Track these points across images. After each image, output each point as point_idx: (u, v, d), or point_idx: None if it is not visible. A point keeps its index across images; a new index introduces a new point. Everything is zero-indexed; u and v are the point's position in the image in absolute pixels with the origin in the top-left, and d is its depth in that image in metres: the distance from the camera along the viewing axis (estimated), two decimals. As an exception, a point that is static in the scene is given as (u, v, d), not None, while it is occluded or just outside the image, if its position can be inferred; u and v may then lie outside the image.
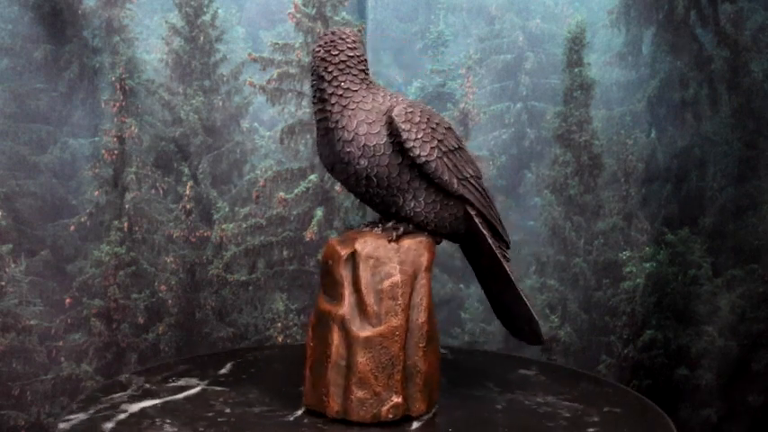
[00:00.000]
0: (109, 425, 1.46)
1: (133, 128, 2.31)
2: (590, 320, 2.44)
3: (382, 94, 1.52)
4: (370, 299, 1.47)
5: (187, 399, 1.61)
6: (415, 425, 1.50)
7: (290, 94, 2.40)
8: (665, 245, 2.39)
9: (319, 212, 2.41)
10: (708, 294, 2.38)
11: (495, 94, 2.45)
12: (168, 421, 1.48)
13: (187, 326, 2.38)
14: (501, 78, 2.45)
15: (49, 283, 2.27)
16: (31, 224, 2.26)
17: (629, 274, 2.41)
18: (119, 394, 1.62)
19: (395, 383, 1.47)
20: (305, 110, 2.39)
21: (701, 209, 2.39)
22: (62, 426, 1.46)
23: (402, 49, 2.44)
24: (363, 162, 1.48)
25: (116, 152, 2.31)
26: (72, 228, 2.29)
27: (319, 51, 1.52)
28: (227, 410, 1.54)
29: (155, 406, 1.56)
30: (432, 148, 1.50)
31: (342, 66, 1.50)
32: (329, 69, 1.50)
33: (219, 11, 2.37)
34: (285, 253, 2.42)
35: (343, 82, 1.50)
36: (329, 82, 1.50)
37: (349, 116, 1.49)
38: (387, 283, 1.48)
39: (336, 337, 1.48)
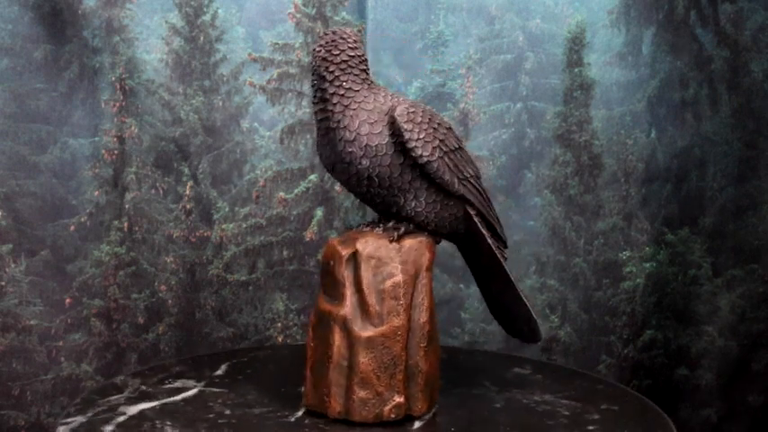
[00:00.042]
0: (108, 427, 1.46)
1: (133, 128, 2.31)
2: (590, 320, 2.44)
3: (383, 95, 1.52)
4: (371, 299, 1.47)
5: (185, 400, 1.60)
6: (417, 424, 1.50)
7: (290, 94, 2.40)
8: (665, 245, 2.40)
9: (319, 212, 2.41)
10: (708, 294, 2.38)
11: (495, 94, 2.45)
12: (169, 423, 1.47)
13: (187, 326, 2.38)
14: (501, 78, 2.45)
15: (49, 283, 2.27)
16: (31, 224, 2.26)
17: (629, 274, 2.41)
18: (115, 396, 1.61)
19: (397, 383, 1.47)
20: (305, 110, 2.39)
21: (701, 209, 2.39)
22: (61, 429, 1.45)
23: (402, 49, 2.44)
24: (365, 162, 1.48)
25: (116, 152, 2.31)
26: (72, 228, 2.29)
27: (320, 51, 1.52)
28: (227, 412, 1.54)
29: (153, 408, 1.55)
30: (433, 148, 1.50)
31: (343, 66, 1.50)
32: (330, 69, 1.50)
33: (219, 11, 2.37)
34: (285, 253, 2.42)
35: (345, 82, 1.50)
36: (330, 82, 1.50)
37: (351, 116, 1.48)
38: (389, 283, 1.47)
39: (338, 338, 1.48)
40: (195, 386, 1.69)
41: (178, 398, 1.61)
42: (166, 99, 2.35)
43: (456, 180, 1.55)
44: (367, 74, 1.53)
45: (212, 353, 2.18)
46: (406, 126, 1.47)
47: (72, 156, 2.29)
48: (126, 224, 2.32)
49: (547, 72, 2.43)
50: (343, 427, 1.47)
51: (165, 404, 1.58)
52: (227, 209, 2.39)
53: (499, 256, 1.64)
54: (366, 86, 1.51)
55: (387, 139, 1.48)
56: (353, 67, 1.51)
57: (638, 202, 2.41)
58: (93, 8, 2.27)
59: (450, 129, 1.58)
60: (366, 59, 1.54)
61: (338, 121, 1.48)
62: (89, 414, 1.51)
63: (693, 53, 2.37)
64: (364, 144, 1.48)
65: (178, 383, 1.70)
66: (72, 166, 2.30)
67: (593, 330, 2.44)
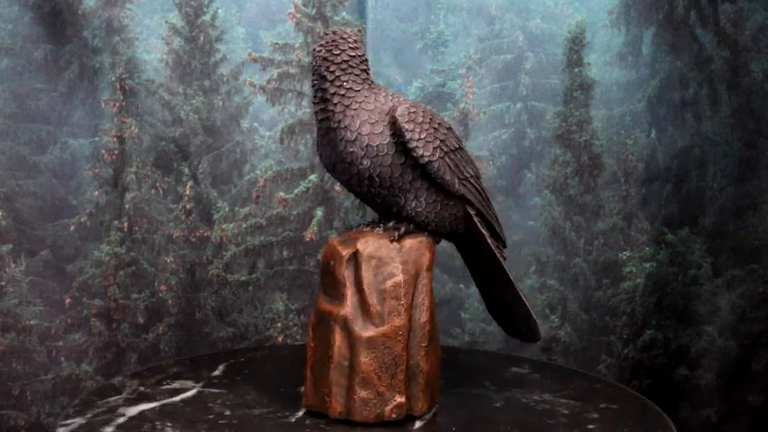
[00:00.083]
0: (109, 429, 1.45)
1: (133, 128, 2.31)
2: (590, 320, 2.44)
3: (384, 94, 1.52)
4: (372, 299, 1.47)
5: (184, 401, 1.60)
6: (418, 424, 1.50)
7: (290, 94, 2.40)
8: (665, 245, 2.40)
9: (319, 212, 2.41)
10: (708, 294, 2.38)
11: (495, 94, 2.45)
12: (169, 424, 1.47)
13: (187, 326, 2.38)
14: (501, 78, 2.45)
15: (49, 283, 2.27)
16: (31, 224, 2.26)
17: (629, 274, 2.41)
18: (114, 398, 1.61)
19: (398, 383, 1.47)
20: (305, 110, 2.39)
21: (701, 209, 2.39)
22: (61, 431, 1.45)
23: (402, 49, 2.44)
24: (366, 162, 1.48)
25: (116, 152, 2.31)
26: (72, 228, 2.29)
27: (321, 51, 1.52)
28: (227, 413, 1.54)
29: (153, 409, 1.55)
30: (434, 148, 1.50)
31: (344, 66, 1.50)
32: (331, 69, 1.50)
33: (219, 11, 2.37)
34: (285, 253, 2.42)
35: (346, 82, 1.50)
36: (331, 82, 1.49)
37: (352, 116, 1.48)
38: (389, 283, 1.47)
39: (339, 338, 1.47)
40: (194, 387, 1.68)
41: (177, 399, 1.61)
42: (166, 99, 2.35)
43: (456, 180, 1.55)
44: (367, 74, 1.53)
45: (209, 353, 2.17)
46: (407, 126, 1.47)
47: (72, 156, 2.29)
48: (126, 224, 2.32)
49: (547, 72, 2.44)
50: (344, 428, 1.47)
51: (165, 405, 1.57)
52: (227, 209, 2.39)
53: (498, 255, 1.64)
54: (367, 86, 1.51)
55: (388, 139, 1.48)
56: (354, 67, 1.51)
57: (638, 202, 2.41)
58: (93, 8, 2.27)
59: (450, 129, 1.58)
60: (366, 59, 1.54)
61: (339, 121, 1.48)
62: (88, 415, 1.51)
63: (693, 53, 2.37)
64: (365, 144, 1.48)
65: (176, 384, 1.70)
66: (72, 166, 2.30)
67: (593, 330, 2.44)
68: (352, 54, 1.51)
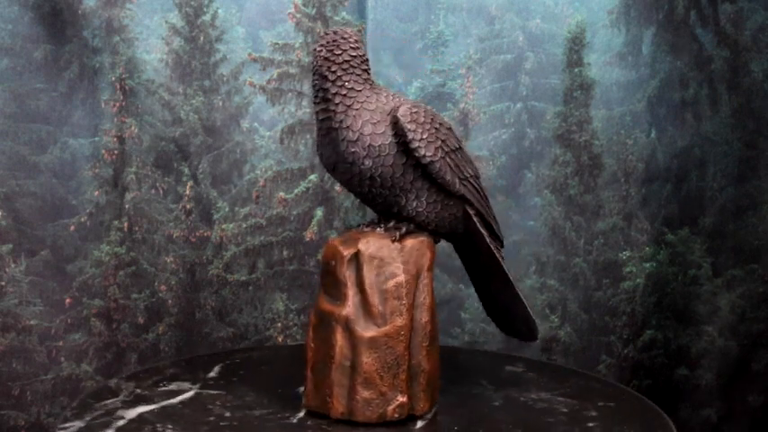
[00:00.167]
0: (109, 432, 1.46)
1: (133, 128, 2.31)
2: (590, 320, 2.44)
3: (385, 95, 1.52)
4: (374, 299, 1.47)
5: (183, 403, 1.59)
6: (420, 424, 1.50)
7: (290, 94, 2.40)
8: (665, 245, 2.40)
9: (319, 212, 2.41)
10: (708, 294, 2.38)
11: (495, 94, 2.45)
12: (170, 427, 1.46)
13: (187, 326, 2.38)
14: (501, 78, 2.45)
15: (49, 283, 2.27)
16: (31, 224, 2.26)
17: (629, 274, 2.41)
18: (111, 400, 1.60)
19: (400, 383, 1.47)
20: (305, 110, 2.39)
21: (701, 209, 2.39)
22: None
23: (402, 49, 2.44)
24: (368, 162, 1.48)
25: (116, 152, 2.31)
26: (72, 228, 2.29)
27: (321, 51, 1.51)
28: (228, 414, 1.53)
29: (152, 411, 1.54)
30: (436, 148, 1.50)
31: (345, 65, 1.50)
32: (332, 69, 1.49)
33: (219, 11, 2.37)
34: (285, 253, 2.42)
35: (347, 82, 1.49)
36: (333, 82, 1.49)
37: (354, 116, 1.48)
38: (391, 283, 1.47)
39: (340, 338, 1.47)
40: (191, 388, 1.68)
41: (175, 400, 1.60)
42: (166, 99, 2.35)
43: (457, 180, 1.55)
44: (368, 74, 1.53)
45: (203, 354, 2.16)
46: (409, 126, 1.47)
47: (72, 156, 2.29)
48: (126, 224, 2.32)
49: (547, 72, 2.44)
50: (346, 428, 1.47)
51: (164, 407, 1.57)
52: (227, 209, 2.39)
53: (497, 255, 1.64)
54: (368, 86, 1.51)
55: (390, 140, 1.48)
56: (356, 68, 1.51)
57: (638, 202, 2.41)
58: (93, 8, 2.27)
59: (450, 129, 1.58)
60: (367, 59, 1.54)
61: (341, 121, 1.48)
62: (87, 419, 1.50)
63: (693, 53, 2.37)
64: (367, 144, 1.47)
65: (173, 386, 1.69)
66: (72, 166, 2.29)
67: (593, 330, 2.44)
68: (354, 54, 1.51)
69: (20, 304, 2.24)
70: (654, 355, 2.41)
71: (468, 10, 2.43)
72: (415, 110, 1.49)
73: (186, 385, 1.69)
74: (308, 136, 2.39)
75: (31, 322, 2.24)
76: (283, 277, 2.42)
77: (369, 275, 1.47)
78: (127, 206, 2.32)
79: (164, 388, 1.67)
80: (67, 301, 2.28)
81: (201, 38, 2.36)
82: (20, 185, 2.24)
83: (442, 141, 1.52)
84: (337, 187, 2.39)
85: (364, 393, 1.46)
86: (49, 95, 2.27)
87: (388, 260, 1.48)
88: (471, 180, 1.60)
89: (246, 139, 2.40)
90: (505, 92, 2.45)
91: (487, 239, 1.62)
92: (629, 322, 2.41)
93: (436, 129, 1.52)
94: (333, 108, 1.49)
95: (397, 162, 1.49)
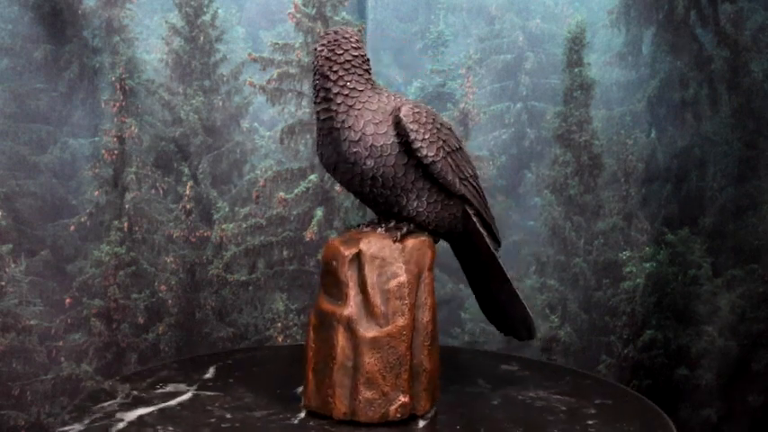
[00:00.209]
0: (110, 435, 1.46)
1: (133, 128, 2.31)
2: (590, 320, 2.44)
3: (386, 95, 1.52)
4: (376, 299, 1.47)
5: (182, 405, 1.59)
6: (422, 423, 1.51)
7: (290, 94, 2.39)
8: (665, 245, 2.40)
9: (319, 212, 2.41)
10: (708, 294, 2.38)
11: (495, 94, 2.45)
12: (171, 429, 1.46)
13: (187, 326, 2.38)
14: (501, 78, 2.45)
15: (49, 283, 2.27)
16: (31, 224, 2.25)
17: (629, 274, 2.41)
18: (109, 402, 1.59)
19: (402, 383, 1.47)
20: (305, 110, 2.39)
21: (701, 209, 2.39)
22: None
23: (402, 49, 2.44)
24: (370, 162, 1.48)
25: (116, 152, 2.31)
26: (72, 228, 2.29)
27: (323, 50, 1.51)
28: (228, 416, 1.53)
29: (151, 413, 1.54)
30: (438, 148, 1.50)
31: (347, 65, 1.50)
32: (334, 69, 1.49)
33: (219, 11, 2.37)
34: (285, 253, 2.42)
35: (349, 82, 1.49)
36: (334, 81, 1.49)
37: (356, 116, 1.48)
38: (393, 283, 1.47)
39: (342, 338, 1.47)
40: (188, 390, 1.67)
41: (174, 402, 1.60)
42: (166, 99, 2.35)
43: (458, 180, 1.55)
44: (369, 74, 1.53)
45: (197, 355, 2.15)
46: (411, 126, 1.47)
47: (72, 156, 2.29)
48: (126, 224, 2.32)
49: (547, 72, 2.44)
50: (348, 428, 1.47)
51: (163, 409, 1.56)
52: (227, 209, 2.39)
53: (496, 254, 1.65)
54: (370, 86, 1.51)
55: (392, 140, 1.48)
56: (357, 67, 1.51)
57: (638, 202, 2.41)
58: (93, 8, 2.27)
59: (450, 129, 1.59)
60: (368, 59, 1.54)
61: (342, 121, 1.48)
62: (86, 421, 1.49)
63: (693, 53, 2.37)
64: (369, 144, 1.47)
65: (170, 387, 1.68)
66: (72, 166, 2.29)
67: (593, 330, 2.44)
68: (355, 54, 1.51)
69: (20, 304, 2.24)
70: (654, 355, 2.41)
71: (468, 10, 2.43)
72: (416, 110, 1.49)
73: (183, 387, 1.69)
74: (308, 136, 2.39)
75: (31, 322, 2.24)
76: (283, 277, 2.42)
77: (370, 275, 1.47)
78: (127, 206, 2.32)
79: (161, 390, 1.67)
80: (67, 301, 2.28)
81: (201, 38, 2.36)
82: (20, 185, 2.24)
83: (444, 141, 1.52)
84: (337, 187, 2.39)
85: (366, 393, 1.46)
86: (49, 95, 2.27)
87: (390, 260, 1.48)
88: (471, 180, 1.60)
89: (246, 139, 2.40)
90: (505, 92, 2.45)
91: (487, 239, 1.63)
92: (629, 322, 2.41)
93: (438, 129, 1.52)
94: (334, 108, 1.49)
95: (399, 162, 1.49)
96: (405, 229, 1.52)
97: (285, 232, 2.41)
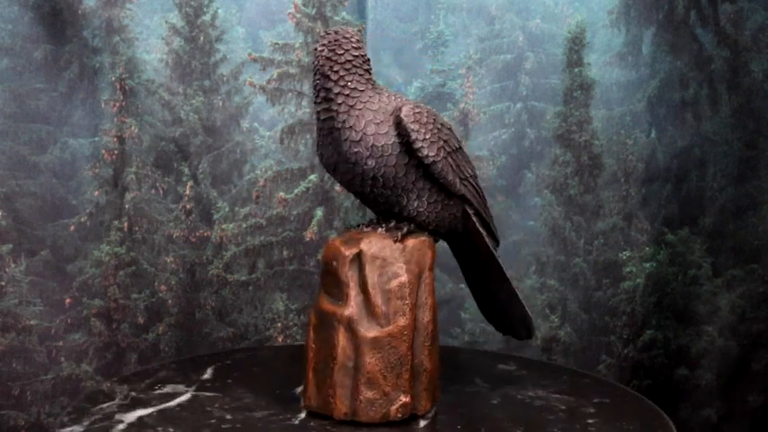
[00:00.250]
0: (111, 437, 1.45)
1: (133, 128, 2.31)
2: (590, 320, 2.44)
3: (387, 95, 1.52)
4: (377, 299, 1.47)
5: (181, 406, 1.59)
6: (422, 423, 1.51)
7: (290, 94, 2.39)
8: (665, 245, 2.40)
9: (319, 212, 2.41)
10: (708, 294, 2.38)
11: (495, 94, 2.45)
12: (171, 430, 1.46)
13: (187, 326, 2.38)
14: (501, 78, 2.45)
15: (49, 283, 2.27)
16: (31, 224, 2.25)
17: (629, 274, 2.41)
18: (107, 404, 1.59)
19: (403, 383, 1.47)
20: (305, 110, 2.39)
21: (701, 209, 2.39)
22: None
23: (402, 49, 2.44)
24: (371, 162, 1.48)
25: (116, 152, 2.31)
26: (72, 228, 2.29)
27: (323, 50, 1.51)
28: (228, 416, 1.53)
29: (151, 415, 1.54)
30: (438, 148, 1.51)
31: (348, 65, 1.50)
32: (335, 69, 1.49)
33: (219, 11, 2.37)
34: (285, 253, 2.42)
35: (350, 82, 1.49)
36: (335, 81, 1.49)
37: (357, 116, 1.48)
38: (394, 283, 1.47)
39: (342, 339, 1.47)
40: (186, 391, 1.67)
41: (173, 403, 1.60)
42: (166, 99, 2.35)
43: (458, 180, 1.55)
44: (370, 74, 1.53)
45: (193, 357, 2.15)
46: (412, 126, 1.47)
47: (72, 156, 2.29)
48: (126, 224, 2.32)
49: (547, 72, 2.44)
50: (349, 428, 1.47)
51: (162, 411, 1.56)
52: (227, 209, 2.39)
53: (496, 254, 1.65)
54: (370, 86, 1.51)
55: (393, 140, 1.48)
56: (358, 67, 1.50)
57: (638, 202, 2.41)
58: (93, 8, 2.27)
59: (450, 129, 1.59)
60: (369, 59, 1.54)
61: (343, 121, 1.48)
62: (85, 423, 1.49)
63: (693, 53, 2.37)
64: (370, 144, 1.47)
65: (168, 388, 1.68)
66: (72, 166, 2.29)
67: (593, 330, 2.44)
68: (356, 54, 1.51)
69: (20, 304, 2.23)
70: (654, 355, 2.41)
71: (468, 10, 2.43)
72: (417, 110, 1.49)
73: (181, 388, 1.69)
74: (308, 136, 2.39)
75: (31, 322, 2.24)
76: (283, 277, 2.42)
77: (371, 276, 1.47)
78: (127, 206, 2.32)
79: (159, 391, 1.67)
80: (67, 301, 2.28)
81: (201, 38, 2.36)
82: (20, 185, 2.24)
83: (444, 142, 1.52)
84: (337, 187, 2.39)
85: (367, 394, 1.46)
86: (49, 95, 2.26)
87: (391, 260, 1.48)
88: (471, 180, 1.60)
89: (246, 139, 2.40)
90: (505, 92, 2.45)
91: (486, 239, 1.63)
92: (629, 322, 2.41)
93: (438, 129, 1.52)
94: (335, 108, 1.49)
95: (400, 162, 1.49)
96: (405, 229, 1.52)
97: (285, 232, 2.41)
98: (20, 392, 2.24)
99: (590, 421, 1.54)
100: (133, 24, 2.30)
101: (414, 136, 1.47)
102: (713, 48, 2.36)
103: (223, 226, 2.38)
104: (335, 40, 1.51)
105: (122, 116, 2.30)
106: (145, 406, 1.58)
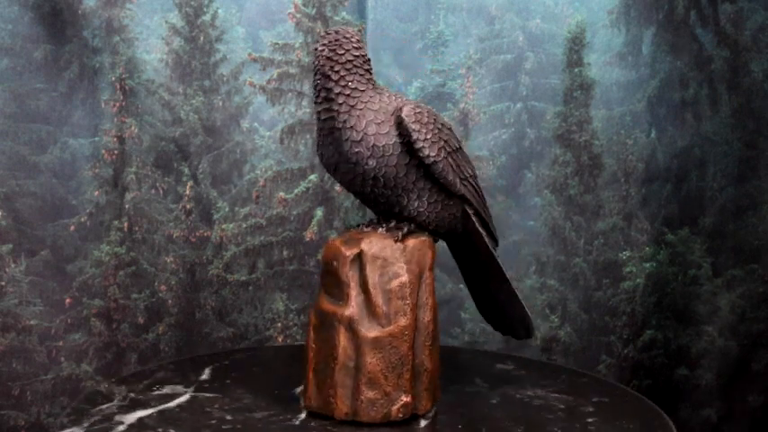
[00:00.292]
0: (111, 438, 1.45)
1: (133, 128, 2.31)
2: (590, 320, 2.44)
3: (387, 95, 1.52)
4: (378, 299, 1.47)
5: (181, 407, 1.58)
6: (423, 423, 1.51)
7: (290, 94, 2.39)
8: (665, 245, 2.40)
9: (319, 212, 2.41)
10: (708, 294, 2.38)
11: (495, 94, 2.45)
12: (172, 431, 1.46)
13: (187, 326, 2.38)
14: (501, 78, 2.45)
15: (49, 283, 2.27)
16: (31, 224, 2.25)
17: (629, 274, 2.41)
18: (107, 405, 1.59)
19: (404, 383, 1.47)
20: (305, 110, 2.39)
21: (701, 209, 2.39)
22: None
23: (402, 49, 2.44)
24: (372, 162, 1.48)
25: (116, 152, 2.31)
26: (72, 228, 2.29)
27: (324, 50, 1.51)
28: (229, 417, 1.53)
29: (151, 416, 1.53)
30: (439, 148, 1.51)
31: (348, 65, 1.50)
32: (336, 69, 1.49)
33: (219, 11, 2.37)
34: (285, 253, 2.42)
35: (351, 82, 1.49)
36: (336, 81, 1.49)
37: (357, 116, 1.48)
38: (395, 283, 1.48)
39: (343, 339, 1.47)
40: (185, 392, 1.67)
41: (172, 404, 1.60)
42: (166, 99, 2.35)
43: (458, 180, 1.56)
44: (371, 74, 1.53)
45: (190, 357, 2.15)
46: (413, 126, 1.47)
47: (72, 156, 2.29)
48: (126, 224, 2.32)
49: (547, 72, 2.44)
50: (350, 428, 1.47)
51: (162, 412, 1.56)
52: (227, 209, 2.39)
53: (495, 254, 1.65)
54: (371, 86, 1.51)
55: (394, 140, 1.48)
56: (358, 67, 1.50)
57: (638, 202, 2.41)
58: (93, 8, 2.27)
59: (450, 129, 1.59)
60: (369, 59, 1.54)
61: (344, 121, 1.48)
62: (85, 425, 1.49)
63: (693, 53, 2.37)
64: (371, 144, 1.47)
65: (167, 389, 1.68)
66: (72, 166, 2.29)
67: (593, 330, 2.44)
68: (356, 54, 1.51)
69: (20, 304, 2.23)
70: (654, 355, 2.41)
71: (468, 10, 2.43)
72: (418, 110, 1.50)
73: (180, 388, 1.69)
74: (308, 136, 2.39)
75: (31, 322, 2.24)
76: (283, 277, 2.42)
77: (372, 275, 1.48)
78: (127, 206, 2.32)
79: (158, 392, 1.67)
80: (67, 301, 2.28)
81: (201, 38, 2.36)
82: (20, 185, 2.24)
83: (445, 142, 1.53)
84: (337, 187, 2.39)
85: (368, 394, 1.46)
86: (49, 95, 2.26)
87: (392, 260, 1.49)
88: (471, 180, 1.61)
89: (246, 139, 2.40)
90: (505, 92, 2.45)
91: (486, 239, 1.63)
92: (629, 322, 2.41)
93: (439, 129, 1.52)
94: (336, 108, 1.49)
95: (401, 162, 1.49)
96: (405, 229, 1.52)
97: (285, 232, 2.41)
98: (20, 392, 2.24)
99: (590, 420, 1.55)
100: (133, 24, 2.30)
101: (415, 136, 1.47)
102: (713, 48, 2.36)
103: (223, 226, 2.38)
104: (336, 40, 1.51)
105: (122, 116, 2.30)
106: (144, 407, 1.58)
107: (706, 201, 2.38)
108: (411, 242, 1.52)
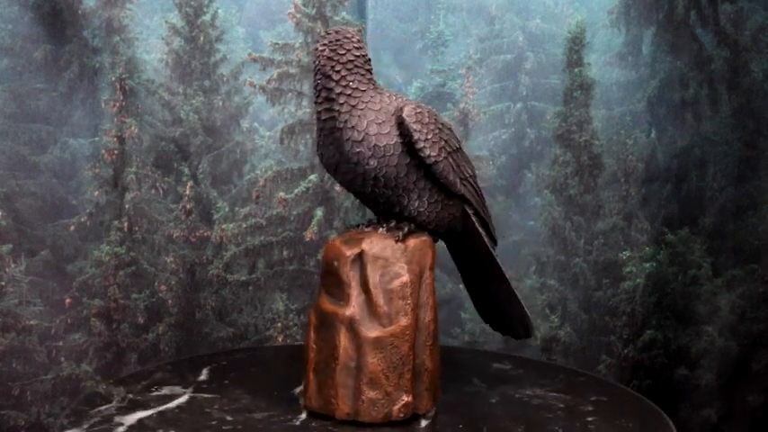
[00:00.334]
0: (112, 439, 1.45)
1: (133, 128, 2.31)
2: (590, 320, 2.44)
3: (388, 95, 1.52)
4: (379, 299, 1.47)
5: (180, 408, 1.58)
6: (424, 423, 1.51)
7: (290, 94, 2.39)
8: (665, 245, 2.40)
9: (319, 212, 2.41)
10: (708, 294, 2.38)
11: (495, 94, 2.45)
12: (172, 432, 1.47)
13: (187, 326, 2.38)
14: (501, 78, 2.45)
15: (49, 283, 2.27)
16: (31, 224, 2.25)
17: (629, 274, 2.41)
18: (106, 406, 1.58)
19: (405, 383, 1.47)
20: (305, 110, 2.38)
21: (701, 209, 2.39)
22: None
23: (402, 49, 2.44)
24: (373, 162, 1.48)
25: (116, 152, 2.31)
26: (72, 228, 2.29)
27: (324, 50, 1.51)
28: (229, 418, 1.52)
29: (150, 417, 1.53)
30: (440, 148, 1.51)
31: (349, 65, 1.50)
32: (336, 69, 1.49)
33: (219, 11, 2.36)
34: (285, 253, 2.42)
35: (352, 82, 1.49)
36: (337, 81, 1.49)
37: (358, 116, 1.48)
38: (396, 283, 1.47)
39: (344, 339, 1.47)
40: (184, 392, 1.67)
41: (172, 405, 1.59)
42: (166, 99, 2.34)
43: (458, 180, 1.56)
44: (371, 74, 1.53)
45: (188, 358, 2.14)
46: (414, 126, 1.47)
47: (72, 156, 2.29)
48: (126, 224, 2.32)
49: (547, 72, 2.44)
50: (351, 429, 1.47)
51: (162, 412, 1.55)
52: (227, 209, 2.39)
53: (494, 254, 1.65)
54: (372, 87, 1.51)
55: (395, 140, 1.48)
56: (359, 67, 1.50)
57: (638, 202, 2.41)
58: (93, 8, 2.27)
59: (450, 129, 1.59)
60: (370, 59, 1.54)
61: (345, 121, 1.48)
62: (84, 426, 1.48)
63: (693, 53, 2.37)
64: (373, 144, 1.47)
65: (165, 390, 1.68)
66: (72, 166, 2.29)
67: (593, 330, 2.44)
68: (357, 54, 1.51)
69: (20, 304, 2.23)
70: (654, 355, 2.41)
71: (468, 10, 2.43)
72: (419, 110, 1.50)
73: (179, 389, 1.68)
74: (308, 136, 2.39)
75: (31, 322, 2.24)
76: (283, 277, 2.42)
77: (373, 275, 1.47)
78: (127, 206, 2.32)
79: (156, 393, 1.66)
80: (67, 301, 2.28)
81: (201, 38, 2.36)
82: (20, 185, 2.24)
83: (445, 142, 1.53)
84: (337, 187, 2.39)
85: (370, 394, 1.46)
86: (49, 95, 2.26)
87: (392, 260, 1.49)
88: (470, 180, 1.61)
89: (246, 139, 2.40)
90: (505, 92, 2.45)
91: (485, 239, 1.63)
92: (629, 322, 2.41)
93: (439, 129, 1.52)
94: (337, 108, 1.48)
95: (402, 162, 1.49)
96: (406, 229, 1.52)
97: (285, 232, 2.41)
98: (20, 392, 2.24)
99: (589, 419, 1.55)
100: (133, 24, 2.30)
101: (416, 136, 1.47)
102: (713, 48, 2.36)
103: (223, 226, 2.38)
104: (337, 40, 1.51)
105: (122, 116, 2.30)
106: (144, 408, 1.57)
107: (706, 201, 2.39)
108: (412, 242, 1.52)
